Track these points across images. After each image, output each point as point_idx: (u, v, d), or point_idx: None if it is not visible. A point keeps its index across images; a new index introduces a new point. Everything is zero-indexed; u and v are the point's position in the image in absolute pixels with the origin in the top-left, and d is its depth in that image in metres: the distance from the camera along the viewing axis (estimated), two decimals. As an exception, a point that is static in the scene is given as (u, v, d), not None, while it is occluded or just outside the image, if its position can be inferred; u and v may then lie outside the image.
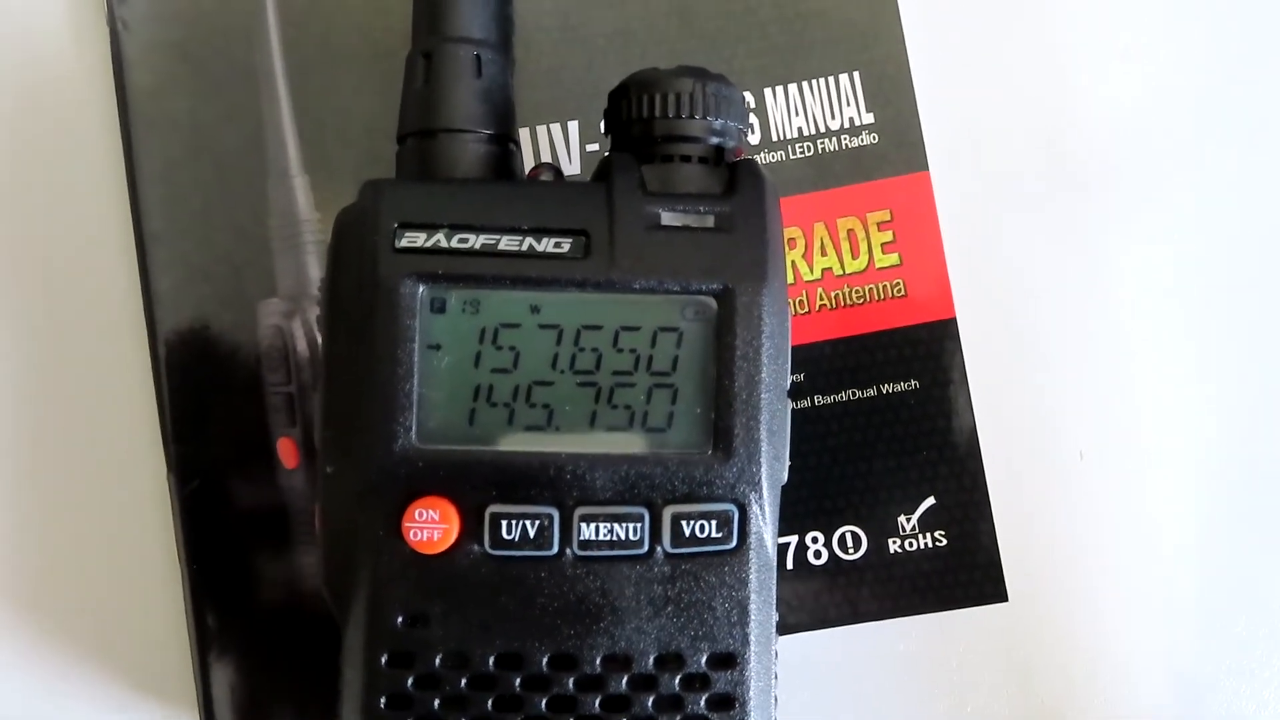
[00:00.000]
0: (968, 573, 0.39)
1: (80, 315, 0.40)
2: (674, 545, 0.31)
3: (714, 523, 0.31)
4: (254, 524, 0.38)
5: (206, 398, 0.38)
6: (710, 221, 0.31)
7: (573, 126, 0.40)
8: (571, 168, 0.40)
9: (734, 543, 0.31)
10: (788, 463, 0.32)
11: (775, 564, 0.31)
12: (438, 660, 0.30)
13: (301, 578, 0.38)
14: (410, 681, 0.30)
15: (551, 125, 0.40)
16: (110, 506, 0.39)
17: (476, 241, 0.31)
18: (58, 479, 0.39)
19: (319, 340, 0.38)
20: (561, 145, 0.40)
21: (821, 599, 0.39)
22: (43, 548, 0.39)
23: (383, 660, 0.30)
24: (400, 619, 0.30)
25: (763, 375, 0.31)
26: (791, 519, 0.38)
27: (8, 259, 0.40)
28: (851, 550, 0.39)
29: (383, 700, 0.30)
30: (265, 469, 0.38)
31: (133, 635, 0.39)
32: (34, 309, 0.40)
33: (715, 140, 0.33)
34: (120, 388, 0.39)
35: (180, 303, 0.38)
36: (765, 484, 0.31)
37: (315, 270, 0.38)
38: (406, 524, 0.30)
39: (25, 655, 0.39)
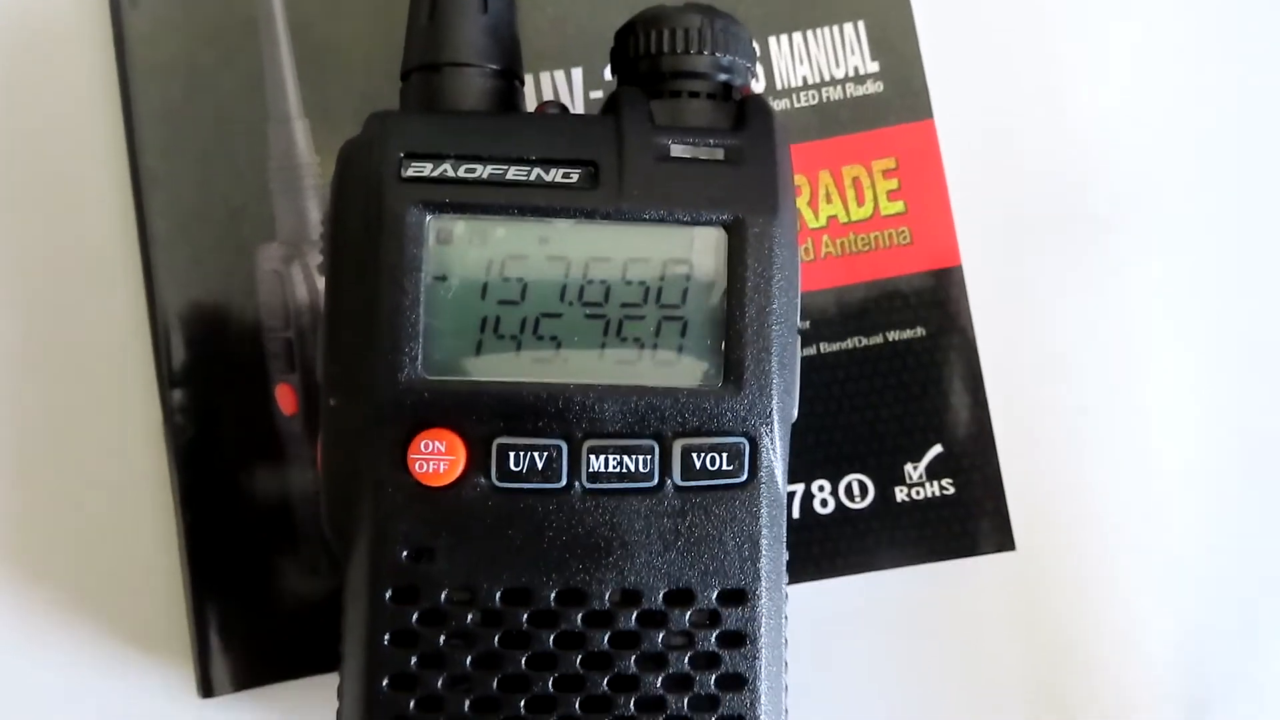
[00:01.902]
0: (975, 521, 0.39)
1: (76, 260, 0.39)
2: (684, 478, 0.30)
3: (724, 455, 0.30)
4: (251, 471, 0.37)
5: (203, 343, 0.38)
6: (720, 154, 0.31)
7: (576, 73, 0.39)
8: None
9: (744, 476, 0.30)
10: (798, 398, 0.31)
11: (785, 500, 0.31)
12: (443, 595, 0.30)
13: (300, 524, 0.37)
14: (415, 617, 0.30)
15: (555, 72, 0.39)
16: (106, 455, 0.39)
17: (484, 171, 0.30)
18: (52, 424, 0.39)
19: (319, 286, 0.37)
20: (565, 92, 0.39)
21: (829, 548, 0.38)
22: (36, 496, 0.39)
23: (387, 596, 0.30)
24: (405, 553, 0.30)
25: (773, 307, 0.30)
26: (798, 467, 0.38)
27: (2, 202, 0.39)
28: (858, 499, 0.39)
29: (386, 637, 0.30)
30: (263, 415, 0.37)
31: (127, 585, 0.38)
32: (29, 254, 0.39)
33: (723, 76, 0.32)
34: (116, 333, 0.39)
35: (178, 247, 0.38)
36: (776, 418, 0.30)
37: (315, 215, 0.38)
38: (412, 456, 0.30)
39: (18, 608, 0.38)
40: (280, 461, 0.37)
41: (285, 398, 0.37)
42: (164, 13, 0.39)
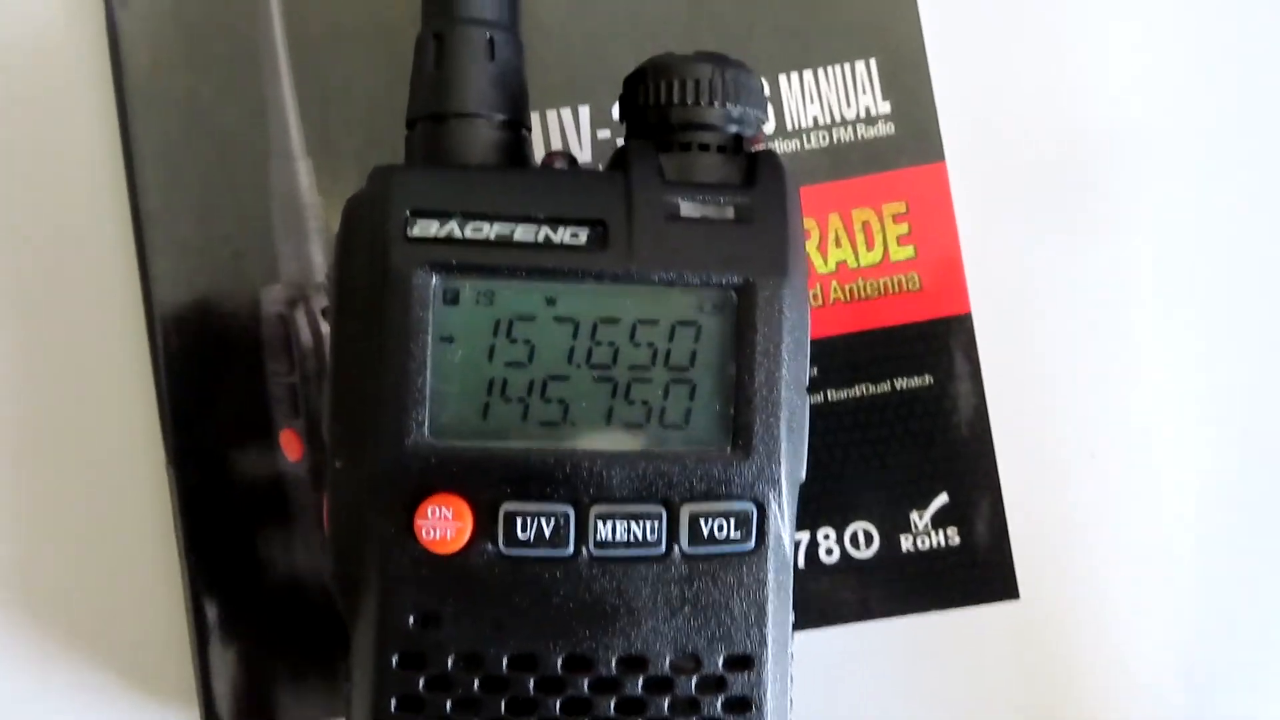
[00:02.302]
0: (980, 570, 0.39)
1: (76, 301, 0.38)
2: (691, 545, 0.30)
3: (732, 522, 0.30)
4: (255, 518, 0.37)
5: (206, 387, 0.37)
6: (730, 213, 0.31)
7: (583, 111, 0.39)
8: (582, 154, 0.39)
9: (752, 543, 0.30)
10: (806, 460, 0.31)
11: (793, 564, 0.31)
12: (450, 661, 0.30)
13: (304, 573, 0.37)
14: (422, 683, 0.29)
15: (562, 110, 0.39)
16: (108, 498, 0.38)
17: (491, 231, 0.30)
18: (54, 469, 0.38)
19: (323, 329, 0.37)
20: (572, 130, 0.39)
21: (833, 596, 0.38)
22: (40, 540, 0.38)
23: (394, 661, 0.30)
24: (412, 619, 0.30)
25: (783, 371, 0.30)
26: (803, 515, 0.37)
27: (0, 241, 0.39)
28: (863, 547, 0.39)
29: (393, 702, 0.29)
30: (267, 461, 0.37)
31: (132, 630, 0.38)
32: (28, 294, 0.39)
33: (734, 128, 0.32)
34: (118, 375, 0.38)
35: (179, 288, 0.37)
36: (784, 483, 0.30)
37: (319, 256, 0.37)
38: (419, 522, 0.29)
39: (22, 650, 0.38)
40: (285, 508, 0.37)
41: (290, 444, 0.37)
42: (164, 45, 0.38)
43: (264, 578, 0.37)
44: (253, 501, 0.37)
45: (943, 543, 0.39)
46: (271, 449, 0.37)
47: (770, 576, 0.30)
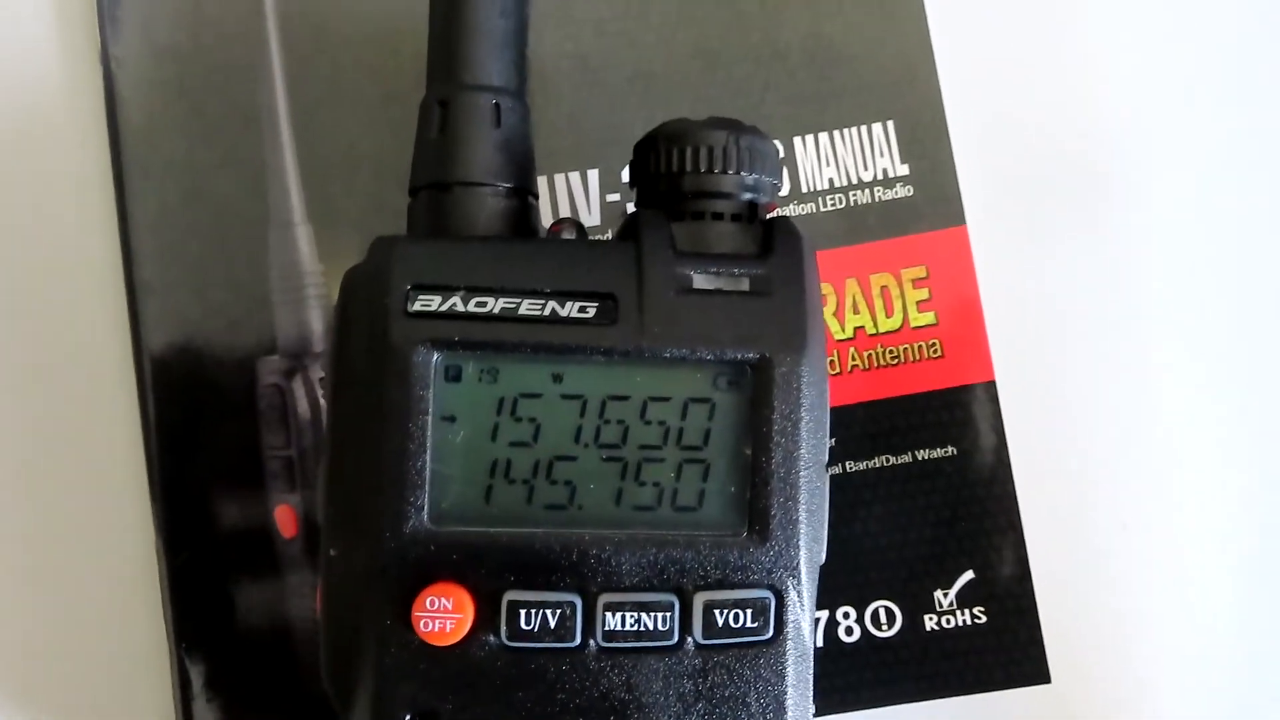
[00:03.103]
0: (1008, 652, 0.37)
1: (68, 371, 0.37)
2: (706, 636, 0.28)
3: (749, 611, 0.28)
4: (249, 595, 0.36)
5: (199, 461, 0.36)
6: (745, 284, 0.29)
7: (592, 175, 0.38)
8: (591, 219, 0.38)
9: (770, 633, 0.29)
10: (825, 542, 0.30)
11: (813, 654, 0.29)
12: (449, 761, 0.28)
13: (300, 658, 0.36)
14: (419, 784, 0.28)
15: (570, 174, 0.38)
16: (98, 578, 0.37)
17: (495, 305, 0.29)
18: (45, 542, 0.37)
19: (321, 401, 0.36)
20: (581, 195, 0.38)
21: (854, 679, 0.37)
22: (25, 615, 0.37)
23: (389, 760, 0.28)
24: (409, 716, 0.28)
25: (801, 451, 0.29)
26: (822, 593, 0.35)
27: (-10, 311, 0.38)
28: (885, 627, 0.37)
29: (389, 804, 0.28)
30: (261, 538, 0.36)
31: (115, 690, 0.36)
32: (20, 365, 0.38)
33: (749, 196, 0.31)
34: (108, 447, 0.37)
35: (173, 358, 0.36)
36: (803, 568, 0.29)
37: (318, 325, 0.36)
38: (417, 613, 0.28)
39: (4, 707, 0.36)
40: (279, 586, 0.36)
41: (285, 520, 0.36)
42: (162, 108, 0.37)
43: (258, 667, 0.36)
44: (246, 578, 0.36)
45: (969, 622, 0.37)
46: (266, 526, 0.36)
47: (789, 668, 0.29)
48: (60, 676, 0.37)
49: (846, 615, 0.37)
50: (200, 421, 0.36)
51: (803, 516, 0.29)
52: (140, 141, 0.37)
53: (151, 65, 0.37)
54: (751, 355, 0.29)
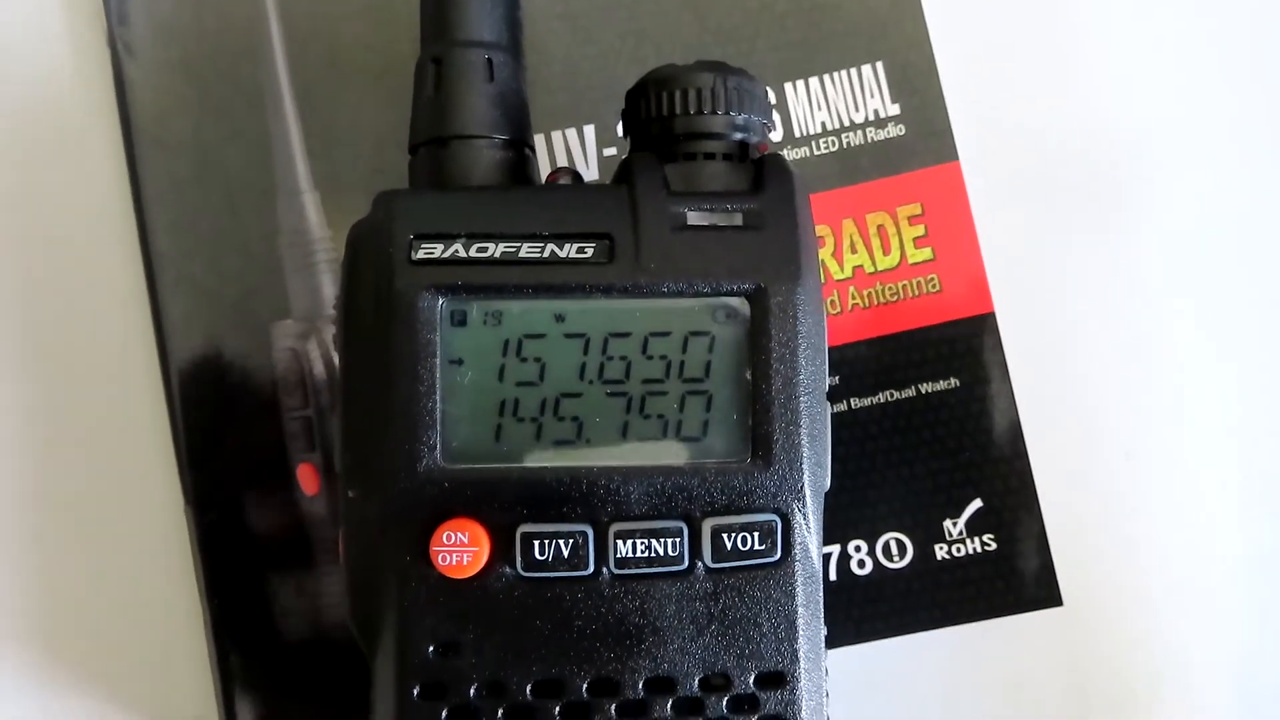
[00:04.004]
0: (1019, 577, 0.37)
1: (90, 345, 0.39)
2: (715, 560, 0.29)
3: (756, 535, 0.29)
4: (275, 554, 0.37)
5: (222, 426, 0.37)
6: (738, 219, 0.30)
7: (589, 130, 0.38)
8: (589, 173, 0.38)
9: (778, 554, 0.29)
10: (830, 468, 0.30)
11: (821, 575, 0.30)
12: (472, 690, 0.29)
13: (326, 608, 0.37)
14: (445, 713, 0.29)
15: (567, 130, 0.38)
16: (128, 541, 0.38)
17: (496, 250, 0.30)
18: (73, 514, 0.38)
19: (336, 362, 0.37)
20: (578, 150, 0.38)
21: (868, 610, 0.37)
22: (60, 586, 0.38)
23: (415, 692, 0.29)
24: (431, 648, 0.29)
25: (800, 378, 0.29)
26: (833, 528, 0.37)
27: (15, 288, 0.39)
28: (897, 558, 0.37)
29: (416, 734, 0.29)
30: (285, 496, 0.37)
31: (154, 673, 0.38)
32: (43, 339, 0.39)
33: (739, 136, 0.31)
34: (133, 418, 0.38)
35: (192, 328, 0.37)
36: (808, 492, 0.29)
37: (329, 290, 0.37)
38: (434, 548, 0.29)
39: (45, 697, 0.38)
40: (305, 545, 0.37)
41: (307, 478, 0.37)
42: (170, 90, 0.38)
43: (287, 617, 0.37)
44: (272, 538, 0.37)
45: (979, 550, 0.37)
46: (289, 484, 0.37)
47: (799, 588, 0.29)
48: (97, 635, 0.38)
49: (858, 548, 0.38)
50: (221, 386, 0.37)
51: (805, 441, 0.29)
52: (150, 121, 0.38)
53: (158, 49, 0.38)
54: (747, 286, 0.29)
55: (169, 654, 0.38)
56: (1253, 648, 0.38)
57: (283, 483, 0.37)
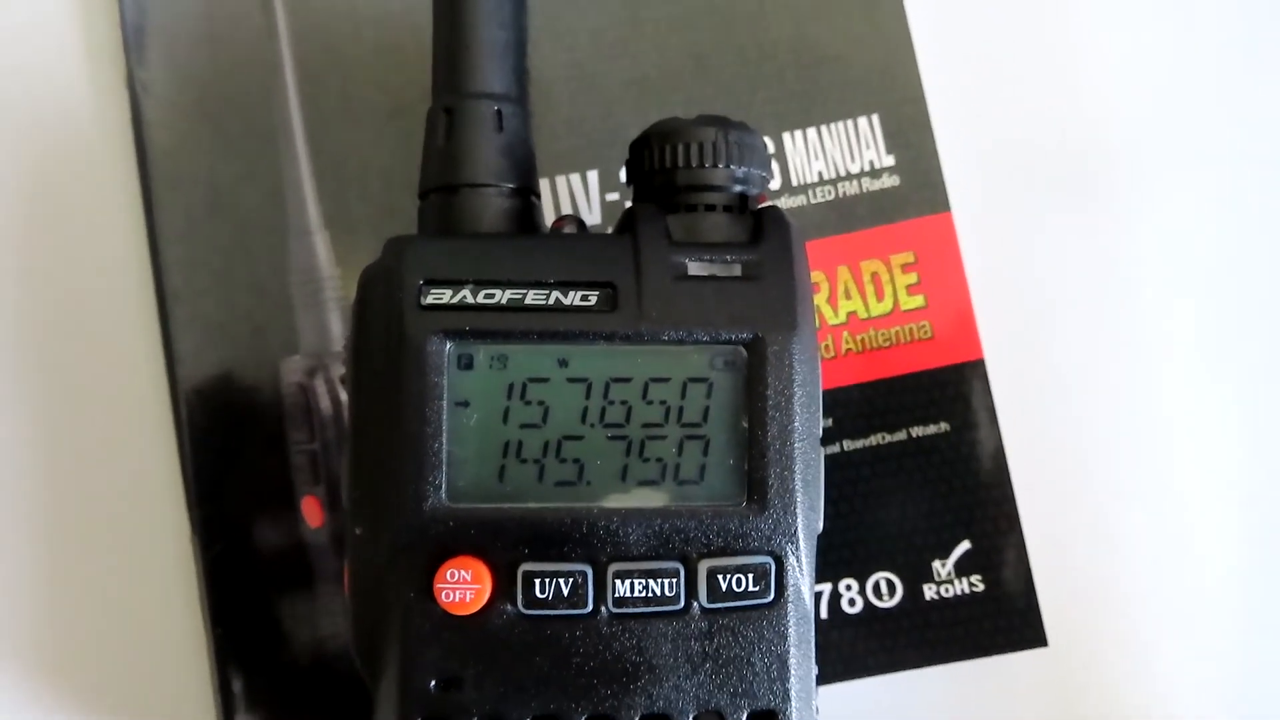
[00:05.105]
0: (1006, 617, 0.38)
1: (101, 377, 0.39)
2: (710, 600, 0.30)
3: (750, 576, 0.30)
4: (279, 584, 0.38)
5: (229, 458, 0.38)
6: (737, 270, 0.31)
7: (592, 176, 0.40)
8: (592, 217, 0.39)
9: (771, 596, 0.30)
10: (823, 512, 0.31)
11: (814, 616, 0.31)
12: (473, 724, 0.30)
13: (328, 638, 0.37)
14: (445, 747, 0.30)
15: (571, 175, 0.40)
16: (134, 569, 0.39)
17: (502, 296, 0.31)
18: (80, 543, 0.39)
19: (342, 398, 0.38)
20: (581, 195, 0.40)
21: (857, 648, 0.38)
22: (66, 612, 0.39)
23: (416, 725, 0.30)
24: (433, 682, 0.30)
25: (795, 424, 0.30)
26: (824, 567, 0.38)
27: (29, 320, 0.40)
28: (886, 597, 0.38)
29: (418, 766, 0.30)
30: (290, 529, 0.38)
31: (158, 700, 0.38)
32: (56, 371, 0.40)
33: (739, 188, 0.32)
34: (142, 449, 0.39)
35: (202, 362, 0.38)
36: (801, 535, 0.30)
37: (337, 326, 0.38)
38: (438, 585, 0.30)
39: (49, 724, 0.38)
40: (308, 575, 0.38)
41: (311, 510, 0.38)
42: (186, 128, 0.39)
43: (290, 647, 0.37)
44: (276, 569, 0.38)
45: (967, 590, 0.38)
46: (294, 516, 0.38)
47: (791, 629, 0.30)
48: (102, 663, 0.39)
49: (849, 587, 0.38)
50: (229, 420, 0.38)
51: (799, 486, 0.30)
52: (166, 160, 0.39)
53: (175, 89, 0.39)
54: (745, 335, 0.30)
55: (173, 682, 0.38)
56: (1240, 689, 0.39)
57: (288, 514, 0.38)
